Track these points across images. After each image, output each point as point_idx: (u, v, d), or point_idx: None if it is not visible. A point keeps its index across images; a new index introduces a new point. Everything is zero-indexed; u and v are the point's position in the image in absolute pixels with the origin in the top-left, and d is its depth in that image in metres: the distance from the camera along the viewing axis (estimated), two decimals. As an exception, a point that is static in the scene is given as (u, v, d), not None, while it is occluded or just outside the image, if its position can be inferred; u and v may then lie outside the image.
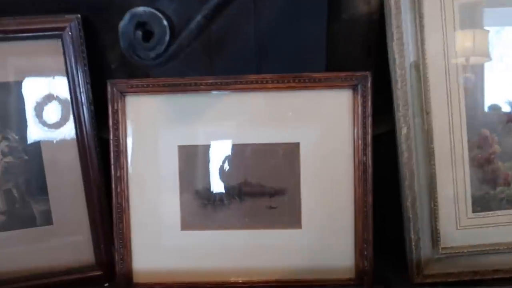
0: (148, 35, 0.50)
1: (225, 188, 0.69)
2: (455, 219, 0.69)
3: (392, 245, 0.73)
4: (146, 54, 0.50)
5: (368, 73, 0.67)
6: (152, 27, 0.49)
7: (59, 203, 0.72)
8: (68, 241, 0.72)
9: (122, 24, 0.49)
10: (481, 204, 0.69)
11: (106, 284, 0.72)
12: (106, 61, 0.74)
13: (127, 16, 0.48)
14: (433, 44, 0.66)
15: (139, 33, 0.50)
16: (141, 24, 0.49)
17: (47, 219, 0.72)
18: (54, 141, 0.71)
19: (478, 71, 0.68)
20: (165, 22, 0.49)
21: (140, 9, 0.48)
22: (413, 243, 0.68)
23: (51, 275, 0.71)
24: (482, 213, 0.69)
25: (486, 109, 0.69)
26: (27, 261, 0.71)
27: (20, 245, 0.71)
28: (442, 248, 0.68)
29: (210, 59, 0.70)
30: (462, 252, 0.69)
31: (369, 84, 0.67)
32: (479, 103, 0.69)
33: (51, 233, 0.72)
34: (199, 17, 0.51)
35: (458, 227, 0.69)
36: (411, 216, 0.68)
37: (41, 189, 0.71)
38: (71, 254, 0.72)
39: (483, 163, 0.69)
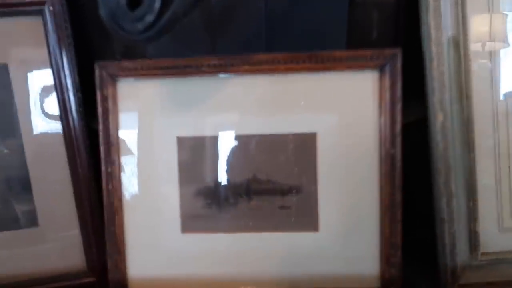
0: (134, 2, 0.41)
1: (231, 185, 0.61)
2: (498, 220, 0.60)
3: (421, 247, 0.64)
4: (132, 26, 0.41)
5: (398, 50, 0.57)
6: (140, -7, 0.40)
7: (45, 202, 0.64)
8: (56, 244, 0.64)
9: (101, -11, 0.40)
10: (528, 202, 0.60)
11: (100, 292, 0.65)
12: (96, 39, 0.65)
13: (106, -21, 0.39)
14: (477, 15, 0.56)
15: (124, 0, 0.40)
16: (125, -12, 0.40)
17: (32, 220, 0.64)
18: (38, 133, 0.63)
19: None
20: (154, -14, 0.40)
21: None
22: (448, 248, 0.59)
23: (37, 282, 0.63)
24: (530, 212, 0.60)
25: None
26: (10, 267, 0.63)
27: (2, 249, 0.63)
28: (482, 254, 0.59)
29: (213, 37, 0.61)
30: (506, 258, 0.60)
31: (398, 64, 0.57)
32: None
33: (37, 235, 0.64)
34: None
35: (501, 229, 0.60)
36: (446, 217, 0.59)
37: (24, 187, 0.63)
38: (59, 258, 0.65)
39: (532, 155, 0.59)
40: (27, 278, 0.64)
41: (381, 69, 0.58)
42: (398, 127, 0.58)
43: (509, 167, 0.59)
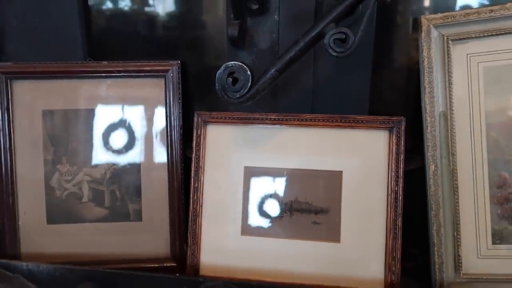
0: (235, 81, 0.69)
1: (279, 204, 0.85)
2: (476, 249, 0.80)
3: (420, 268, 0.84)
4: (233, 95, 0.69)
5: (402, 118, 0.82)
6: (239, 75, 0.68)
7: (148, 205, 0.92)
8: (152, 236, 0.91)
9: (218, 72, 0.69)
10: (500, 237, 0.79)
11: (177, 274, 0.89)
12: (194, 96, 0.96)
13: (222, 68, 0.68)
14: (460, 98, 0.80)
15: (230, 79, 0.69)
16: (231, 73, 0.69)
17: (138, 216, 0.92)
18: (151, 156, 0.92)
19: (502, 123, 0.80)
20: (248, 72, 0.68)
21: (232, 62, 0.67)
22: (437, 266, 0.80)
23: (135, 261, 0.90)
24: (502, 245, 0.79)
25: (506, 154, 0.80)
26: (119, 248, 0.91)
27: (116, 235, 0.91)
28: (464, 274, 0.79)
29: (275, 100, 0.89)
30: (482, 278, 0.79)
31: (402, 128, 0.81)
32: (500, 149, 0.80)
33: (140, 228, 0.91)
34: (272, 70, 0.69)
35: (479, 256, 0.79)
36: (435, 241, 0.80)
37: (137, 192, 0.91)
38: (152, 246, 0.91)
39: (502, 201, 0.80)
40: (129, 257, 0.90)
41: (390, 130, 0.82)
42: (401, 171, 0.81)
43: (484, 208, 0.79)
